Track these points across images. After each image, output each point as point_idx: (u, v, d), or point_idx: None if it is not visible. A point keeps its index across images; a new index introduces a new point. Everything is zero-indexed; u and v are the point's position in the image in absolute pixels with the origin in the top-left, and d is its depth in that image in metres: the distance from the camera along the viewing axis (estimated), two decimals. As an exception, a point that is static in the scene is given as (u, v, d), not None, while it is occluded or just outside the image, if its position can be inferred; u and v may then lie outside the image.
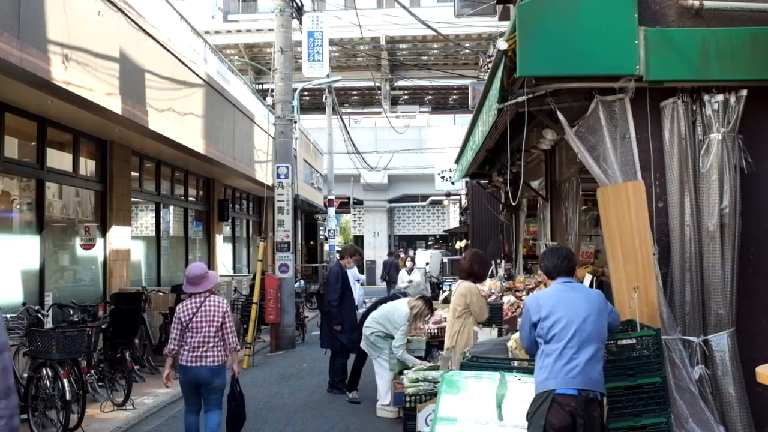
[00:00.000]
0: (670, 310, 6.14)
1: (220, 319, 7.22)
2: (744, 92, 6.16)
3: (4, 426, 3.17)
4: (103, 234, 12.64)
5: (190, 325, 7.21)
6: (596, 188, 6.47)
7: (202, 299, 7.31)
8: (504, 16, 15.16)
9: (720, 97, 6.17)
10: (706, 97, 6.22)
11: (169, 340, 7.24)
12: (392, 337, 9.38)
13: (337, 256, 11.50)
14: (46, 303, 10.34)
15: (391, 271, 24.35)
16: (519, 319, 8.09)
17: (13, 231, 10.62)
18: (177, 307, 7.49)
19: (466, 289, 7.65)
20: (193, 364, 7.14)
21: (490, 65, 8.13)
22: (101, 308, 11.04)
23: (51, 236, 11.23)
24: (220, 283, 8.51)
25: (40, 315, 9.50)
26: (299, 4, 17.59)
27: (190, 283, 7.36)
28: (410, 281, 18.85)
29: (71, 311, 10.20)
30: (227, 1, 68.39)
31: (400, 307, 9.51)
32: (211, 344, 7.18)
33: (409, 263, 21.05)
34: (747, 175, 6.24)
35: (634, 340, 5.52)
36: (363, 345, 9.83)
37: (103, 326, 10.39)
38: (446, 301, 12.07)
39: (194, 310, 7.26)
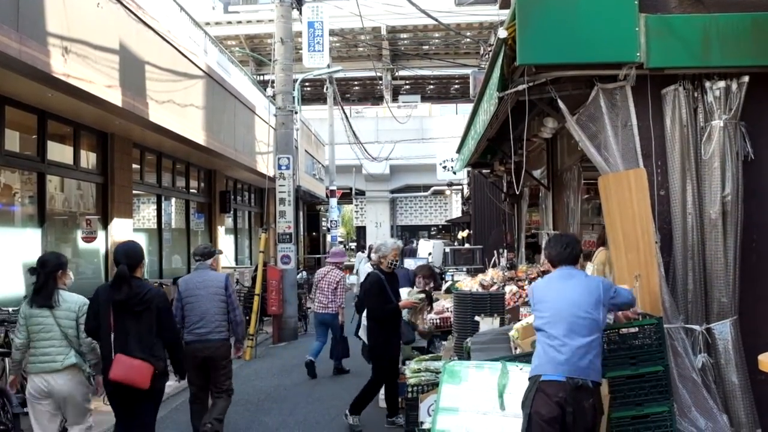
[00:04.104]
0: (673, 299, 6.13)
1: (335, 285, 11.52)
2: (746, 78, 6.12)
3: (239, 314, 7.62)
4: (105, 227, 12.63)
5: (319, 285, 11.68)
6: (598, 177, 6.45)
7: (328, 270, 11.79)
8: (505, 5, 15.05)
9: (721, 83, 6.14)
10: (707, 84, 6.19)
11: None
12: None
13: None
14: (48, 296, 10.33)
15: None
16: (521, 309, 8.10)
17: (14, 224, 10.61)
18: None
19: (605, 256, 7.41)
20: (320, 311, 11.62)
21: (491, 54, 8.09)
22: (103, 301, 11.02)
23: (52, 229, 11.22)
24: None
25: (42, 308, 9.48)
26: (299, -6, 17.54)
27: (329, 257, 12.55)
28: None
29: (73, 304, 10.17)
30: (228, -8, 68.18)
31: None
32: (330, 299, 11.46)
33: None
34: (749, 162, 6.22)
35: (636, 329, 5.49)
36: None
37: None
38: (448, 291, 12.04)
39: (322, 276, 11.77)
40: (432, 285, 11.05)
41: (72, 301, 6.06)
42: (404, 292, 9.32)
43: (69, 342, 5.95)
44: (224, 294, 7.58)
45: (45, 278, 6.00)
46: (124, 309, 5.75)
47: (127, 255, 5.94)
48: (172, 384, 10.22)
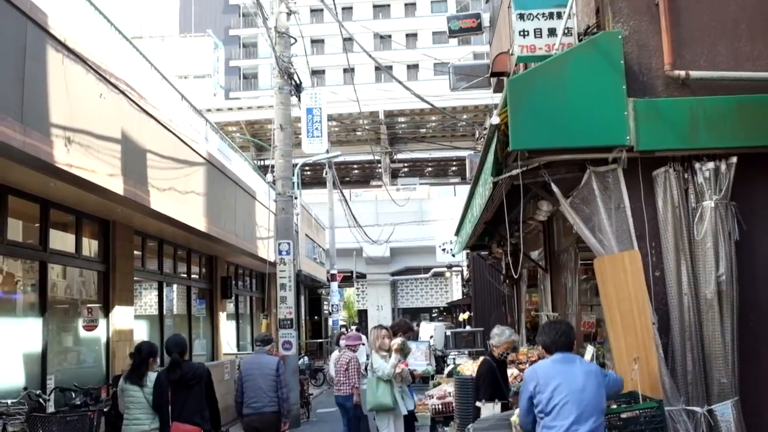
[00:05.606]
0: (673, 381, 6.10)
1: (345, 366, 11.47)
2: (734, 159, 6.24)
3: (285, 392, 9.21)
4: (106, 315, 12.61)
5: (335, 368, 12.00)
6: (594, 258, 6.51)
7: (342, 353, 12.00)
8: (498, 89, 15.39)
9: (710, 164, 6.25)
10: (697, 165, 6.30)
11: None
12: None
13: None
14: (48, 386, 10.24)
15: None
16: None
17: (16, 314, 10.60)
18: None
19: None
20: (335, 393, 11.77)
21: (485, 139, 8.24)
22: (104, 390, 10.92)
23: (53, 318, 11.20)
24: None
25: (41, 399, 9.41)
26: (297, 82, 17.90)
27: (345, 340, 12.42)
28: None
29: (73, 394, 10.11)
30: (229, 78, 69.60)
31: (372, 356, 9.97)
32: (343, 381, 11.47)
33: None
34: (742, 241, 6.28)
35: (637, 413, 5.47)
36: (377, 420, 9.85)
37: (105, 409, 10.27)
38: (450, 375, 11.98)
39: (336, 359, 12.20)
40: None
41: None
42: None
43: (154, 411, 7.69)
44: (275, 375, 9.19)
45: (140, 362, 7.81)
46: (181, 385, 7.59)
47: (177, 345, 7.89)
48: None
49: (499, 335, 8.13)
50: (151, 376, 7.76)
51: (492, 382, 7.76)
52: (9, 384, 9.73)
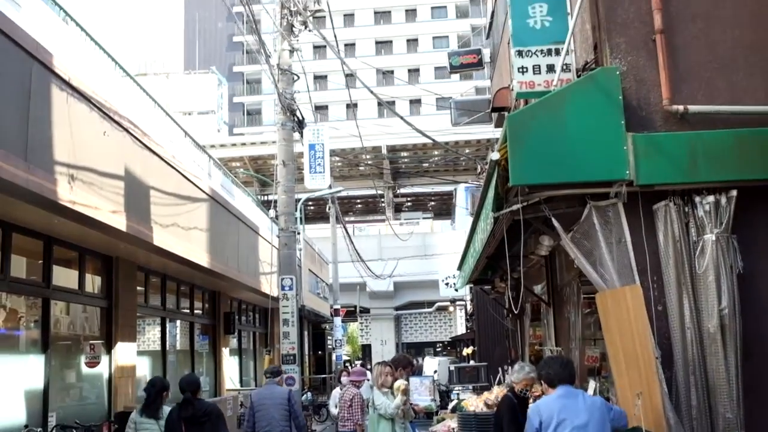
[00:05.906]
0: (677, 416, 6.06)
1: (349, 402, 10.70)
2: (734, 192, 6.25)
3: (302, 420, 10.18)
4: (108, 351, 12.59)
5: (338, 403, 11.44)
6: (596, 292, 6.50)
7: (344, 390, 11.37)
8: (500, 123, 15.44)
9: (711, 198, 6.27)
10: (697, 199, 6.32)
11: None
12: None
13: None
14: (49, 424, 10.20)
15: None
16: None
17: (18, 350, 10.58)
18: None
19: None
20: (339, 429, 10.94)
21: (486, 175, 8.28)
22: (105, 427, 10.90)
23: (56, 354, 11.17)
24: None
25: (42, 437, 9.38)
26: (300, 118, 18.00)
27: (351, 375, 12.38)
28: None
29: (74, 431, 10.06)
30: (232, 114, 69.99)
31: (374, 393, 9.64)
32: (346, 416, 10.81)
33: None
34: (744, 275, 6.27)
35: (641, 448, 5.44)
36: None
37: (107, 446, 10.25)
38: (454, 410, 11.93)
39: (340, 396, 11.49)
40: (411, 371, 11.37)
41: None
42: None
43: None
44: (287, 404, 9.89)
45: (155, 395, 8.02)
46: (192, 422, 7.74)
47: (189, 384, 8.02)
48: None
49: (519, 371, 7.94)
50: (165, 410, 7.97)
51: (513, 420, 7.34)
52: (10, 421, 9.69)
